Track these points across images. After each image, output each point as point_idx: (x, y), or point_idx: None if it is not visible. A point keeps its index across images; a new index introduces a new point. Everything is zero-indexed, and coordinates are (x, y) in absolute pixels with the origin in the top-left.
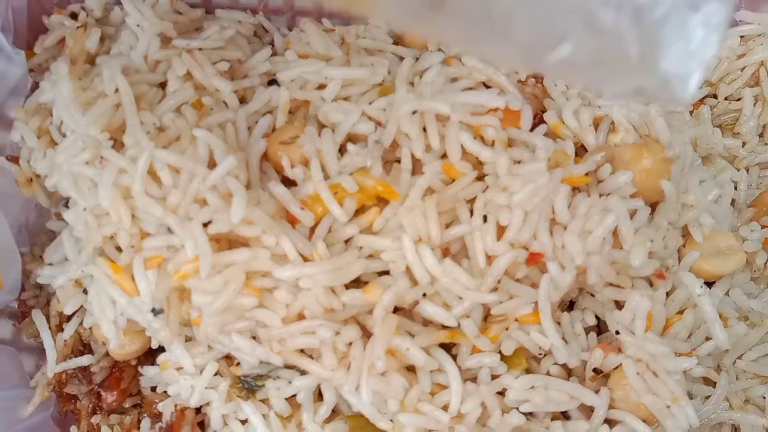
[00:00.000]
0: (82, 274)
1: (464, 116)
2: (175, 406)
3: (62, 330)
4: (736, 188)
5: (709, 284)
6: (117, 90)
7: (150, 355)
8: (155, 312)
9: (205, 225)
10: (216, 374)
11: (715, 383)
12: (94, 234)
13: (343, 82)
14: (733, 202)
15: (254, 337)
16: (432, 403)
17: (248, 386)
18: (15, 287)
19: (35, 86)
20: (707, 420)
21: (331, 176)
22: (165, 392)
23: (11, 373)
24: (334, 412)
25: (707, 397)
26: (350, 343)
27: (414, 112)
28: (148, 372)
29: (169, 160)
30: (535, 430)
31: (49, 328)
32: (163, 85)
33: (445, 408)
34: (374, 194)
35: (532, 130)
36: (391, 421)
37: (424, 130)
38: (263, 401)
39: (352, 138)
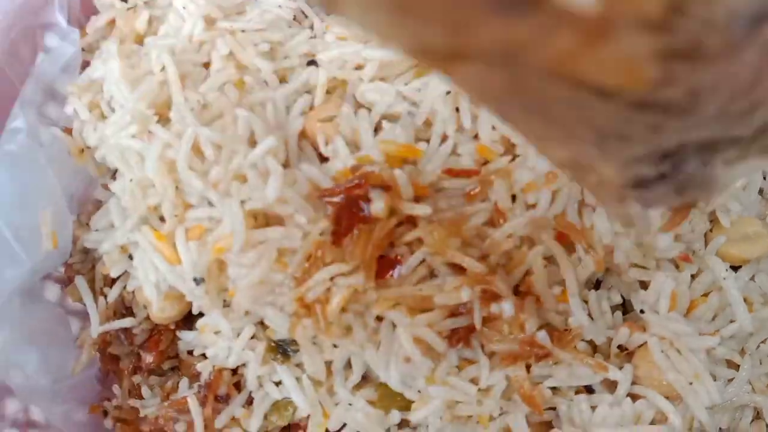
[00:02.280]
0: (128, 240)
1: None
2: (213, 366)
3: (105, 295)
4: (765, 178)
5: (735, 269)
6: (163, 68)
7: (188, 320)
8: (197, 281)
9: (244, 202)
10: (252, 338)
11: (739, 366)
12: (140, 203)
13: (380, 64)
14: (761, 191)
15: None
16: (459, 377)
17: (282, 351)
18: (66, 248)
19: (85, 64)
20: (729, 402)
21: (367, 149)
22: (202, 355)
23: (59, 333)
24: (364, 379)
25: (730, 380)
26: (379, 318)
27: (448, 93)
28: (185, 336)
29: (212, 137)
30: (560, 402)
31: (94, 291)
32: (206, 65)
33: (473, 381)
34: (400, 159)
35: None
36: (419, 392)
37: (457, 110)
38: (298, 365)
39: (387, 117)
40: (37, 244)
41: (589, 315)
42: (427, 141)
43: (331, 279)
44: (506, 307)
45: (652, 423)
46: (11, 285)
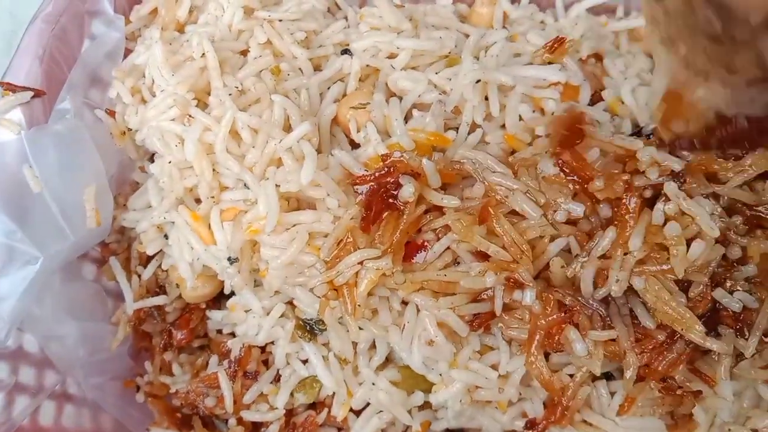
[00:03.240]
0: (164, 220)
1: (526, 88)
2: (243, 344)
3: (139, 275)
4: None
5: None
6: (204, 54)
7: (217, 301)
8: (231, 260)
9: (278, 185)
10: (281, 316)
11: None
12: (177, 184)
13: (413, 53)
14: None
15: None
16: (481, 362)
17: (310, 329)
18: (107, 226)
19: (127, 52)
20: None
21: (397, 137)
22: (230, 334)
23: (97, 309)
24: (388, 360)
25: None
26: (404, 303)
27: (477, 82)
28: (215, 316)
29: (249, 121)
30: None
31: (129, 270)
32: (244, 53)
33: (493, 367)
34: (429, 146)
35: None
36: (441, 375)
37: (486, 99)
38: (324, 345)
39: (417, 106)
40: (81, 221)
41: None
42: (456, 129)
43: (360, 263)
44: (528, 295)
45: None
46: (57, 259)
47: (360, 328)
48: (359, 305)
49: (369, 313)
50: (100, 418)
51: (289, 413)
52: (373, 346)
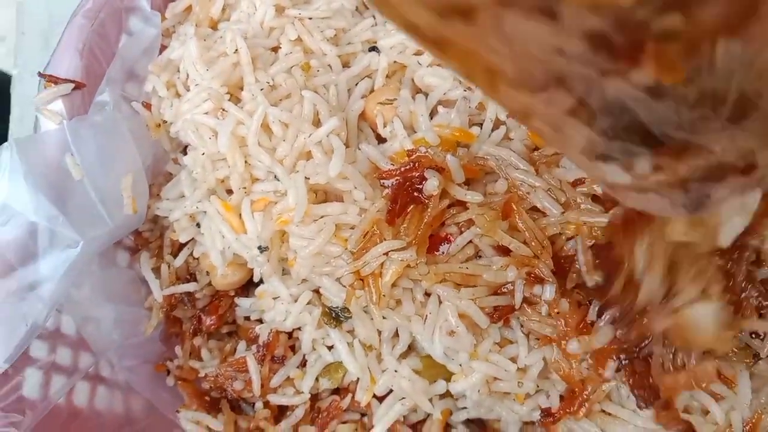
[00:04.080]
0: (196, 209)
1: None
2: (271, 329)
3: (168, 264)
4: None
5: None
6: (236, 51)
7: (245, 288)
8: (261, 249)
9: (307, 178)
10: (308, 303)
11: None
12: (210, 175)
13: None
14: None
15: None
16: (501, 354)
17: (335, 316)
18: (142, 214)
19: (162, 48)
20: None
21: (422, 132)
22: (258, 320)
23: (131, 294)
24: (410, 348)
25: None
26: (427, 294)
27: None
28: (243, 303)
29: (280, 116)
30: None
31: (162, 257)
32: (275, 49)
33: (512, 360)
34: (454, 142)
35: None
36: (461, 365)
37: None
38: (349, 332)
39: (443, 103)
40: (119, 209)
41: None
42: (480, 125)
43: (386, 254)
44: (548, 290)
45: None
46: (96, 244)
47: (384, 317)
48: (384, 295)
49: (393, 302)
50: (130, 401)
51: (314, 398)
52: (397, 334)
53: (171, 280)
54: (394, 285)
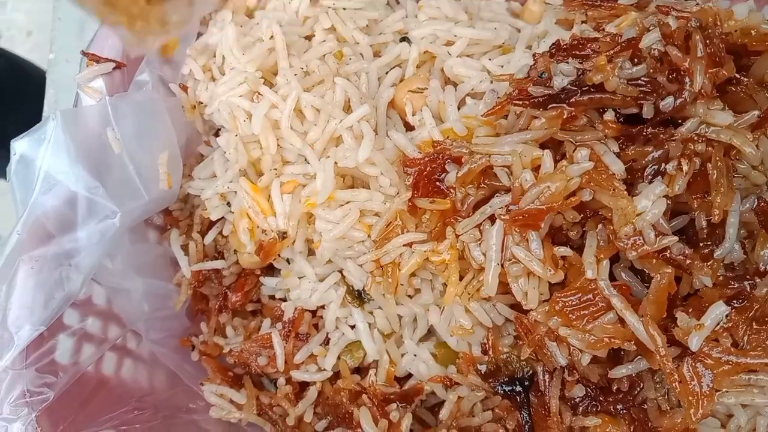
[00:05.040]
0: (227, 189)
1: None
2: (295, 307)
3: (195, 242)
4: None
5: None
6: (272, 37)
7: (270, 269)
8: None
9: (336, 162)
10: (335, 283)
11: None
12: (242, 156)
13: (469, 41)
14: None
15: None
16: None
17: (359, 296)
18: (176, 190)
19: (198, 35)
20: None
21: (450, 123)
22: (282, 299)
23: (161, 269)
24: (430, 332)
25: None
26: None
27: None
28: (268, 282)
29: (313, 101)
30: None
31: (190, 235)
32: (309, 38)
33: None
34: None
35: None
36: None
37: None
38: (371, 313)
39: (470, 94)
40: (155, 183)
41: None
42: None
43: (408, 245)
44: None
45: None
46: (132, 216)
47: (399, 304)
48: (402, 284)
49: (412, 290)
50: (154, 375)
51: (335, 376)
52: (416, 319)
53: (199, 257)
54: (413, 275)
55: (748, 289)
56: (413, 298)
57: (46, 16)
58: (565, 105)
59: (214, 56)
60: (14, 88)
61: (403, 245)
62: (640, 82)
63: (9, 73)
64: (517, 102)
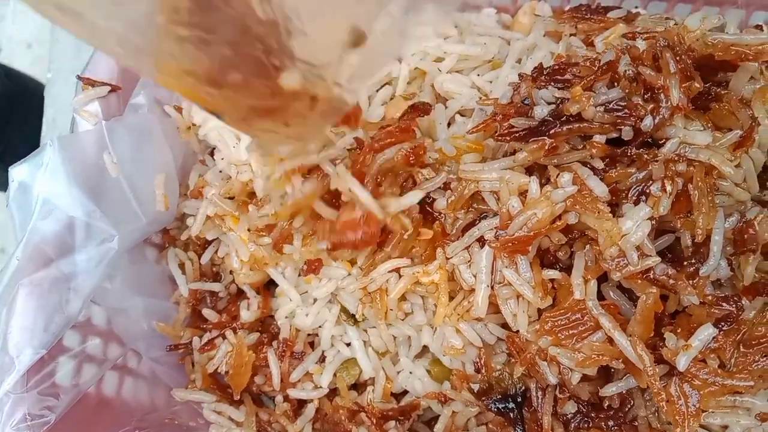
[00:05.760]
0: (214, 213)
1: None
2: (290, 326)
3: (190, 260)
4: None
5: None
6: None
7: (267, 287)
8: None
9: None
10: (328, 301)
11: None
12: (234, 181)
13: (458, 57)
14: None
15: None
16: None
17: (353, 315)
18: (173, 210)
19: None
20: None
21: (440, 142)
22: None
23: (159, 288)
24: (424, 349)
25: None
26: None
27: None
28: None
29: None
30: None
31: (188, 254)
32: None
33: None
34: (469, 152)
35: None
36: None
37: None
38: (366, 331)
39: (460, 111)
40: (152, 205)
41: None
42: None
43: (397, 270)
44: None
45: None
46: (130, 239)
47: (392, 325)
48: (391, 309)
49: (402, 314)
50: (155, 393)
51: (332, 392)
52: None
53: (195, 276)
54: (403, 299)
55: (736, 311)
56: (406, 319)
57: (45, 29)
58: (545, 138)
59: None
60: (15, 103)
61: (389, 271)
62: (616, 106)
63: (9, 89)
64: (500, 138)
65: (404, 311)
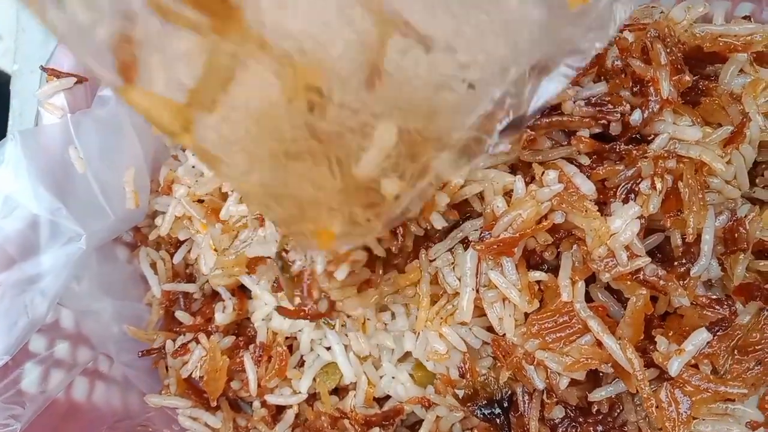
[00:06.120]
0: (183, 213)
1: None
2: (268, 329)
3: (162, 260)
4: None
5: None
6: None
7: (242, 288)
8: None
9: None
10: None
11: None
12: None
13: None
14: None
15: None
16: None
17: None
18: (144, 208)
19: None
20: None
21: None
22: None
23: (131, 289)
24: (407, 353)
25: None
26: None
27: None
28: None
29: None
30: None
31: (160, 253)
32: None
33: None
34: None
35: None
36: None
37: None
38: (347, 335)
39: None
40: (121, 202)
41: None
42: None
43: None
44: None
45: None
46: (98, 237)
47: (371, 335)
48: (368, 319)
49: (382, 325)
50: (128, 397)
51: (312, 397)
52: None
53: (168, 276)
54: (382, 309)
55: (729, 315)
56: (389, 324)
57: (14, 20)
58: (526, 129)
59: None
60: None
61: None
62: (600, 100)
63: None
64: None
65: (383, 321)
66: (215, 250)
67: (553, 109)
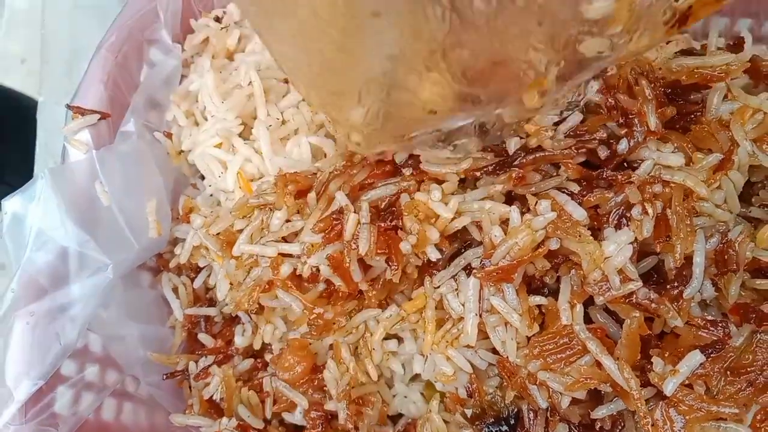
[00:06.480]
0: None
1: None
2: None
3: (183, 284)
4: None
5: None
6: (250, 83)
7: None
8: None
9: None
10: None
11: None
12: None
13: None
14: None
15: None
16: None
17: None
18: (166, 236)
19: (182, 78)
20: None
21: None
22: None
23: (155, 313)
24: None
25: None
26: None
27: None
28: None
29: (283, 164)
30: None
31: (181, 278)
32: (287, 80)
33: None
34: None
35: None
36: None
37: None
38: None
39: None
40: (144, 232)
41: None
42: None
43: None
44: None
45: None
46: (123, 266)
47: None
48: (373, 349)
49: (387, 355)
50: (154, 416)
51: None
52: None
53: (189, 300)
54: (387, 338)
55: (723, 337)
56: (398, 347)
57: (37, 44)
58: (516, 168)
59: (197, 101)
60: (6, 121)
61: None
62: (578, 131)
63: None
64: (473, 172)
65: (388, 351)
66: (231, 283)
67: (536, 149)
